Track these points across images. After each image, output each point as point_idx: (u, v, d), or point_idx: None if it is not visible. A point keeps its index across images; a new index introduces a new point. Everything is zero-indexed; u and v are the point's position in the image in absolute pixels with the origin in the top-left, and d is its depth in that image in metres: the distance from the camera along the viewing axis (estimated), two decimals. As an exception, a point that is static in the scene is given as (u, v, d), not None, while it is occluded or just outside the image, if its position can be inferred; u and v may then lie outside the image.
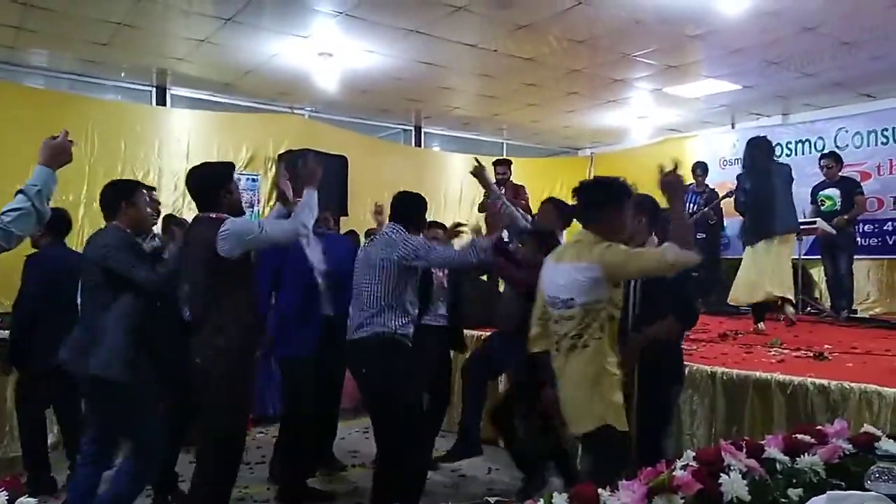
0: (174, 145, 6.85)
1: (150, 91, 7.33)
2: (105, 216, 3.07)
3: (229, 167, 3.28)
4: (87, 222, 6.31)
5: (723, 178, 7.22)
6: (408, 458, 3.23)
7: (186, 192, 6.83)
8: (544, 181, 9.06)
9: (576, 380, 2.38)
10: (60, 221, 3.84)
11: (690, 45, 5.97)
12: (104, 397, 2.92)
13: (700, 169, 7.31)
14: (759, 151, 5.29)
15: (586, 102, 7.93)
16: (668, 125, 9.02)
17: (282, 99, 7.82)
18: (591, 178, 2.72)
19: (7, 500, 1.25)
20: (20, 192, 2.22)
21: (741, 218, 5.63)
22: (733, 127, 8.94)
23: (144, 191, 3.98)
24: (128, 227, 3.05)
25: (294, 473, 3.81)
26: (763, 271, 5.11)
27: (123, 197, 3.07)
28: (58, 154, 2.30)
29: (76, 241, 6.17)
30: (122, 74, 6.99)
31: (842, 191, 6.30)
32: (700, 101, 7.84)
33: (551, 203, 4.02)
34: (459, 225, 4.42)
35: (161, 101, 7.33)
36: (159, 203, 4.11)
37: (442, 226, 4.54)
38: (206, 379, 2.82)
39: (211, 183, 3.00)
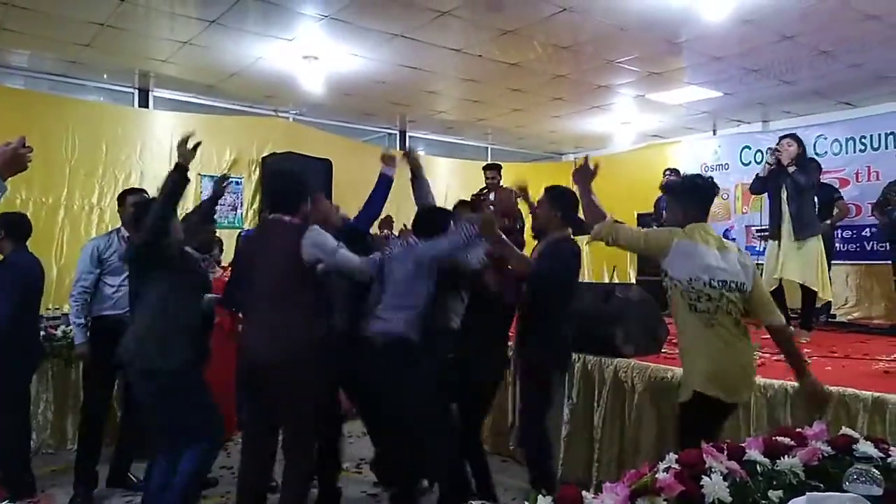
0: (156, 147, 6.79)
1: (133, 93, 7.27)
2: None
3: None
4: (67, 224, 6.26)
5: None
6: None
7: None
8: (528, 186, 9.07)
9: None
10: (19, 226, 3.77)
11: (673, 52, 6.04)
12: (172, 388, 3.06)
13: (673, 174, 7.39)
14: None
15: (570, 108, 7.99)
16: (651, 131, 9.12)
17: (266, 102, 7.80)
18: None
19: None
20: None
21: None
22: (714, 133, 9.06)
23: (130, 196, 3.99)
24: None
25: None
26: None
27: None
28: (9, 161, 2.14)
29: (56, 243, 6.15)
30: (105, 76, 6.92)
31: (820, 198, 6.40)
32: (682, 107, 7.93)
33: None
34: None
35: (144, 103, 7.27)
36: None
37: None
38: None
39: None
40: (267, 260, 3.14)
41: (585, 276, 9.24)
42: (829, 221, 6.27)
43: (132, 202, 3.87)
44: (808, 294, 5.01)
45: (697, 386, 2.60)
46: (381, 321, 3.27)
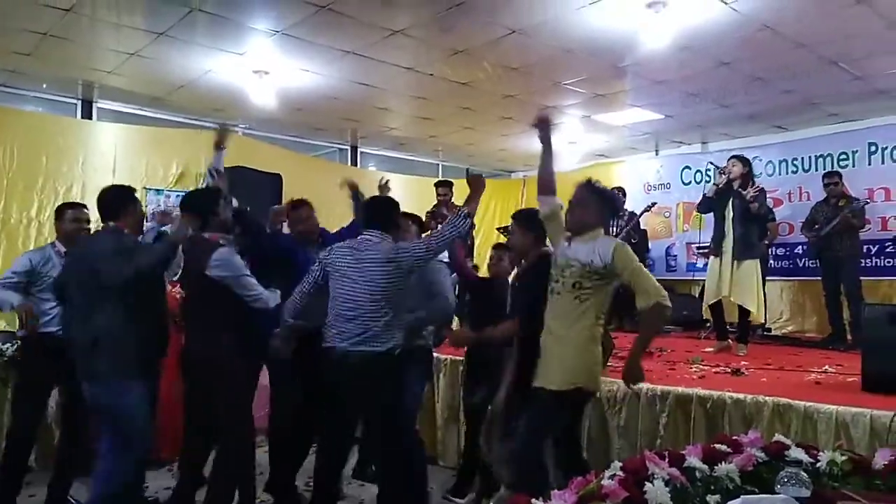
0: (99, 159, 6.62)
1: (76, 104, 7.08)
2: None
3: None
4: (3, 238, 6.03)
5: (648, 202, 7.55)
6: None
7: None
8: (479, 203, 9.19)
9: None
10: None
11: (617, 75, 6.26)
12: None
13: (620, 194, 7.62)
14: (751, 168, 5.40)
15: (519, 127, 8.15)
16: (597, 151, 9.37)
17: (215, 115, 7.69)
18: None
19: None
20: None
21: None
22: (657, 153, 9.38)
23: (70, 210, 3.89)
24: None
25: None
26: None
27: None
28: None
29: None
30: (44, 86, 6.73)
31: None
32: (626, 128, 8.19)
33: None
34: None
35: (87, 114, 7.09)
36: (88, 220, 3.94)
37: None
38: None
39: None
40: (188, 276, 3.45)
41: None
42: (765, 241, 6.59)
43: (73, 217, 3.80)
44: (744, 311, 5.24)
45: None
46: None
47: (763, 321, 5.94)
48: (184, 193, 6.99)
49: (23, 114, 6.62)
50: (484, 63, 5.95)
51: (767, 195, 6.96)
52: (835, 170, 6.69)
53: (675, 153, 9.10)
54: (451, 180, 7.38)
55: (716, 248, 5.35)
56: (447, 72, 6.16)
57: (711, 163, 6.56)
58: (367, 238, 3.38)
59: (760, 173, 7.59)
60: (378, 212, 3.56)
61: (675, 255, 8.37)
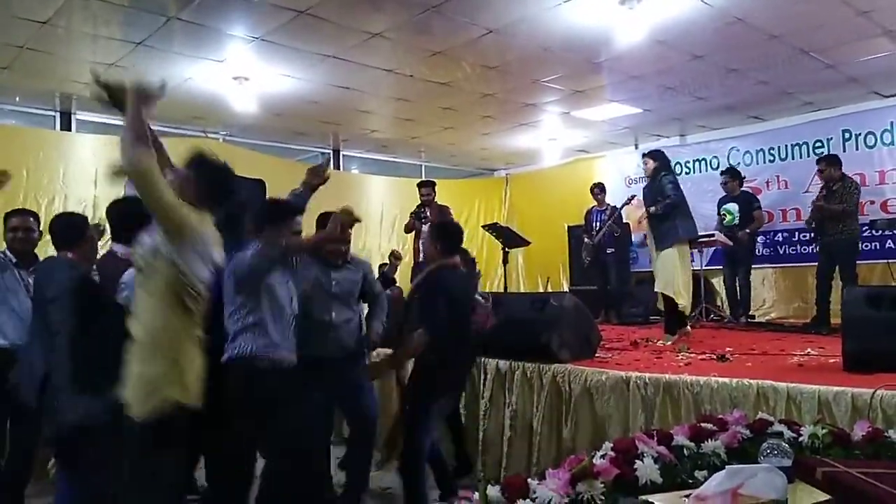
0: (80, 171, 6.59)
1: (54, 116, 7.03)
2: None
3: None
4: (-14, 253, 5.98)
5: (629, 195, 7.63)
6: None
7: (98, 217, 6.61)
8: (462, 201, 9.30)
9: None
10: None
11: (594, 71, 6.33)
12: None
13: (598, 189, 7.72)
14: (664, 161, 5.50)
15: (500, 125, 8.22)
16: (577, 146, 9.45)
17: (195, 123, 7.68)
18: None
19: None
20: None
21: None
22: (636, 147, 9.48)
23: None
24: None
25: None
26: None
27: None
28: None
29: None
30: (17, 99, 6.67)
31: (740, 205, 6.83)
32: (605, 123, 8.28)
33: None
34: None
35: (66, 126, 7.05)
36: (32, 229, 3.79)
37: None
38: None
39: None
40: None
41: (520, 286, 9.46)
42: (748, 230, 6.70)
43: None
44: (667, 300, 5.29)
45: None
46: None
47: (689, 307, 5.61)
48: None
49: (1, 128, 6.57)
50: (463, 63, 6.00)
51: (745, 184, 7.14)
52: (827, 154, 6.51)
53: (655, 146, 9.20)
54: (434, 180, 7.43)
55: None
56: (426, 73, 6.20)
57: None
58: None
59: (739, 163, 7.74)
60: None
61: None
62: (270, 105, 6.85)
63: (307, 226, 3.57)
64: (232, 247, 3.55)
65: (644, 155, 5.57)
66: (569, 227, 8.61)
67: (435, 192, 7.12)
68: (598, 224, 7.47)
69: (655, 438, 1.59)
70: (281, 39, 5.29)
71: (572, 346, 4.25)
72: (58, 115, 7.04)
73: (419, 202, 7.10)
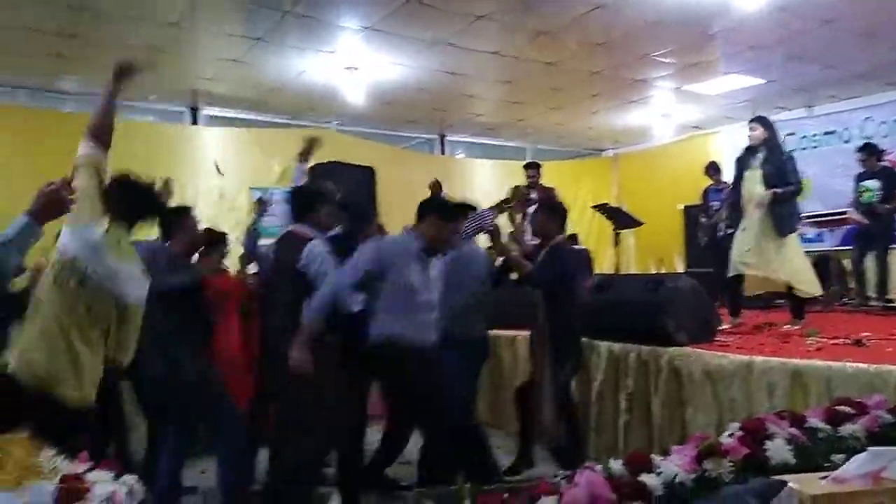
0: (207, 163, 7.06)
1: (184, 112, 7.56)
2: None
3: None
4: (128, 241, 6.55)
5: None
6: None
7: (223, 206, 7.05)
8: (570, 183, 9.14)
9: None
10: None
11: (709, 42, 6.03)
12: None
13: (712, 169, 7.33)
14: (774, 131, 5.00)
15: (608, 103, 8.01)
16: (691, 122, 9.04)
17: (310, 114, 8.00)
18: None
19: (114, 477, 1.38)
20: None
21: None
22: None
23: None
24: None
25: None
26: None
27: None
28: (48, 204, 2.00)
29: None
30: (151, 97, 7.19)
31: (882, 181, 6.27)
32: (722, 97, 7.87)
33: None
34: None
35: (194, 121, 7.56)
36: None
37: None
38: None
39: None
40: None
41: (631, 270, 9.22)
42: (888, 206, 6.14)
43: None
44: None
45: None
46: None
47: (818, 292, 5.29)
48: (287, 190, 7.47)
49: (139, 124, 7.15)
50: (568, 41, 5.89)
51: (886, 157, 6.54)
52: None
53: (777, 120, 8.63)
54: (539, 162, 7.37)
55: (736, 219, 4.95)
56: (532, 53, 6.14)
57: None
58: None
59: (874, 134, 7.12)
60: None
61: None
62: (379, 93, 7.02)
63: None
64: (350, 232, 3.72)
65: (752, 120, 5.00)
66: (685, 207, 8.28)
67: (540, 174, 7.06)
68: (717, 203, 7.12)
69: (787, 420, 1.52)
70: (389, 27, 5.40)
71: (689, 329, 4.10)
72: (188, 110, 7.54)
73: (525, 184, 7.06)
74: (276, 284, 3.48)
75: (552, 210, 4.04)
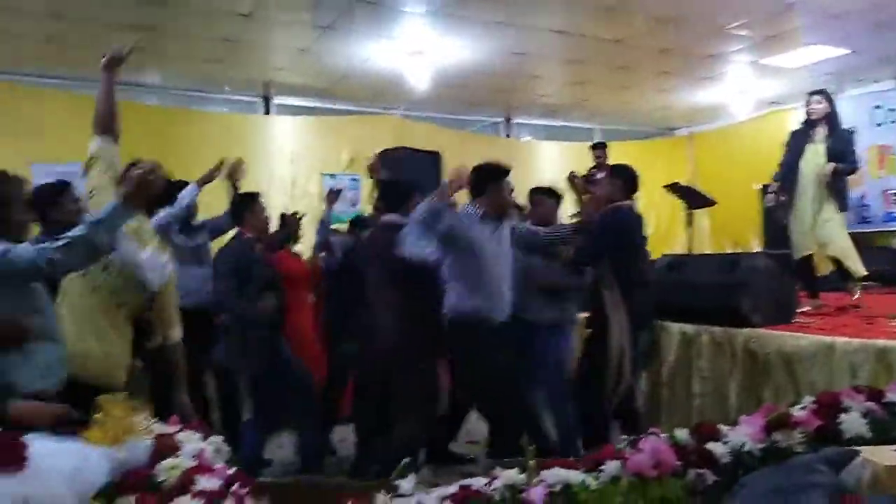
0: (278, 151, 7.28)
1: (257, 101, 7.80)
2: None
3: None
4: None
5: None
6: None
7: (295, 193, 7.24)
8: (641, 164, 8.85)
9: None
10: None
11: (788, 12, 5.74)
12: None
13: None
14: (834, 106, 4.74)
15: (680, 81, 7.76)
16: (770, 98, 8.65)
17: (377, 101, 8.11)
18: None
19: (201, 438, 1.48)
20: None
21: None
22: (840, 95, 8.47)
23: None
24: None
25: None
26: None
27: None
28: (137, 187, 2.08)
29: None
30: (227, 88, 7.46)
31: None
32: (803, 70, 7.48)
33: None
34: None
35: (267, 111, 7.80)
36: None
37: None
38: None
39: None
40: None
41: (704, 250, 8.95)
42: None
43: None
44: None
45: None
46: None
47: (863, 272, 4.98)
48: (355, 177, 7.65)
49: (213, 115, 7.43)
50: (637, 17, 5.73)
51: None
52: None
53: (863, 92, 8.17)
54: (606, 142, 7.24)
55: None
56: (599, 31, 6.01)
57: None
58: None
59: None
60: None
61: (869, 205, 7.57)
62: (444, 78, 7.03)
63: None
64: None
65: (815, 93, 4.71)
66: (763, 185, 7.95)
67: (607, 154, 6.95)
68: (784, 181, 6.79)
69: (864, 395, 1.46)
70: (452, 10, 5.40)
71: (766, 310, 3.98)
72: (260, 100, 7.78)
73: (592, 165, 6.98)
74: (377, 272, 3.57)
75: (618, 172, 3.98)
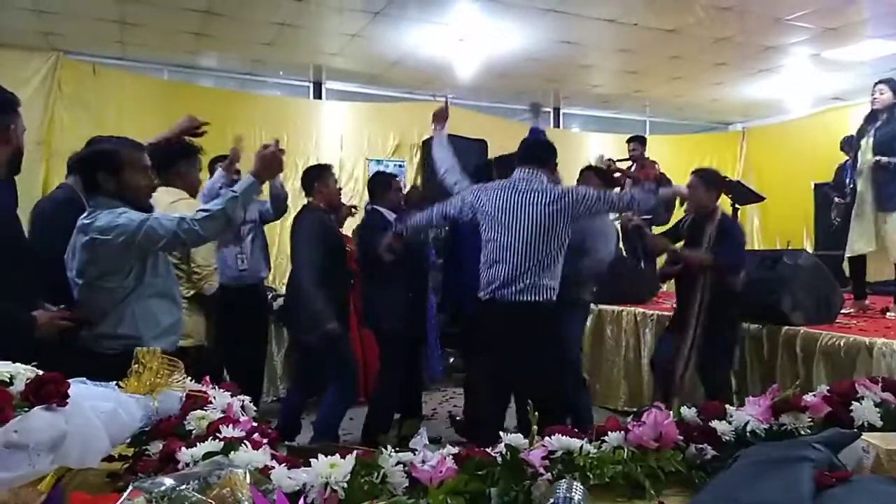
0: (329, 136, 7.43)
1: (308, 86, 7.95)
2: None
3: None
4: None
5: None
6: None
7: (343, 177, 7.36)
8: (692, 158, 8.74)
9: None
10: None
11: (852, 3, 5.55)
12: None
13: (848, 144, 6.74)
14: None
15: (736, 73, 7.58)
16: (830, 93, 8.37)
17: (425, 87, 8.17)
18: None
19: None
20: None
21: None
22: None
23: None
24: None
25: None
26: None
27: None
28: (267, 164, 2.33)
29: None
30: (281, 73, 7.63)
31: None
32: (866, 64, 7.21)
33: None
34: None
35: (317, 95, 7.95)
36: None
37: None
38: None
39: None
40: None
41: (755, 248, 8.75)
42: None
43: None
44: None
45: None
46: None
47: None
48: (401, 162, 7.75)
49: (265, 98, 7.62)
50: (692, 5, 5.62)
51: None
52: None
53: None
54: (644, 136, 7.14)
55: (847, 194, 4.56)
56: (652, 19, 5.92)
57: None
58: (524, 178, 3.26)
59: None
60: (537, 149, 3.49)
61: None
62: (492, 65, 7.04)
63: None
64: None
65: (879, 83, 4.46)
66: (815, 184, 7.73)
67: (643, 147, 6.88)
68: (851, 182, 6.58)
69: (880, 385, 1.45)
70: (503, -4, 5.41)
71: (807, 309, 3.91)
72: (311, 85, 7.94)
73: (624, 157, 6.94)
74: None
75: (708, 179, 3.81)
